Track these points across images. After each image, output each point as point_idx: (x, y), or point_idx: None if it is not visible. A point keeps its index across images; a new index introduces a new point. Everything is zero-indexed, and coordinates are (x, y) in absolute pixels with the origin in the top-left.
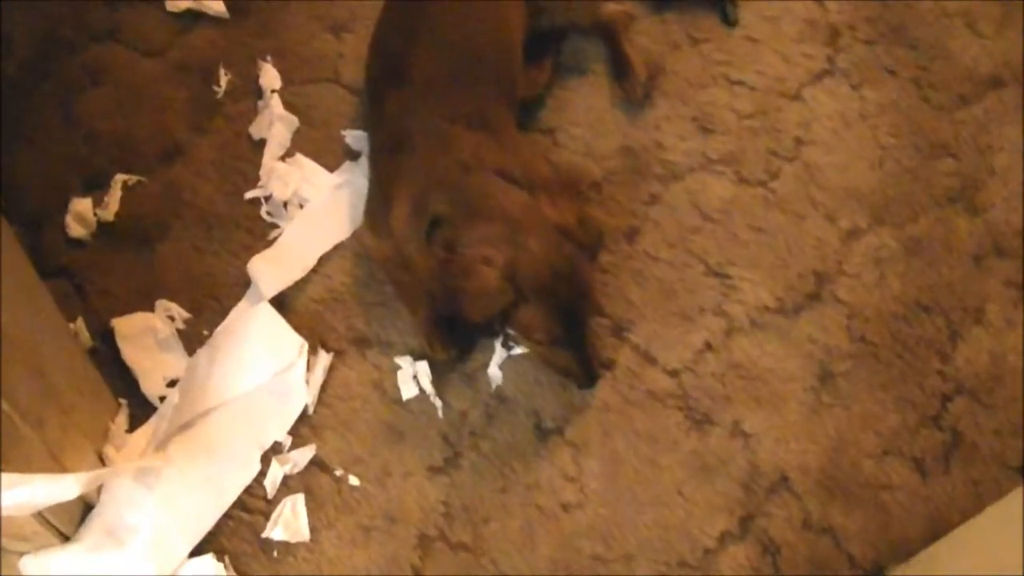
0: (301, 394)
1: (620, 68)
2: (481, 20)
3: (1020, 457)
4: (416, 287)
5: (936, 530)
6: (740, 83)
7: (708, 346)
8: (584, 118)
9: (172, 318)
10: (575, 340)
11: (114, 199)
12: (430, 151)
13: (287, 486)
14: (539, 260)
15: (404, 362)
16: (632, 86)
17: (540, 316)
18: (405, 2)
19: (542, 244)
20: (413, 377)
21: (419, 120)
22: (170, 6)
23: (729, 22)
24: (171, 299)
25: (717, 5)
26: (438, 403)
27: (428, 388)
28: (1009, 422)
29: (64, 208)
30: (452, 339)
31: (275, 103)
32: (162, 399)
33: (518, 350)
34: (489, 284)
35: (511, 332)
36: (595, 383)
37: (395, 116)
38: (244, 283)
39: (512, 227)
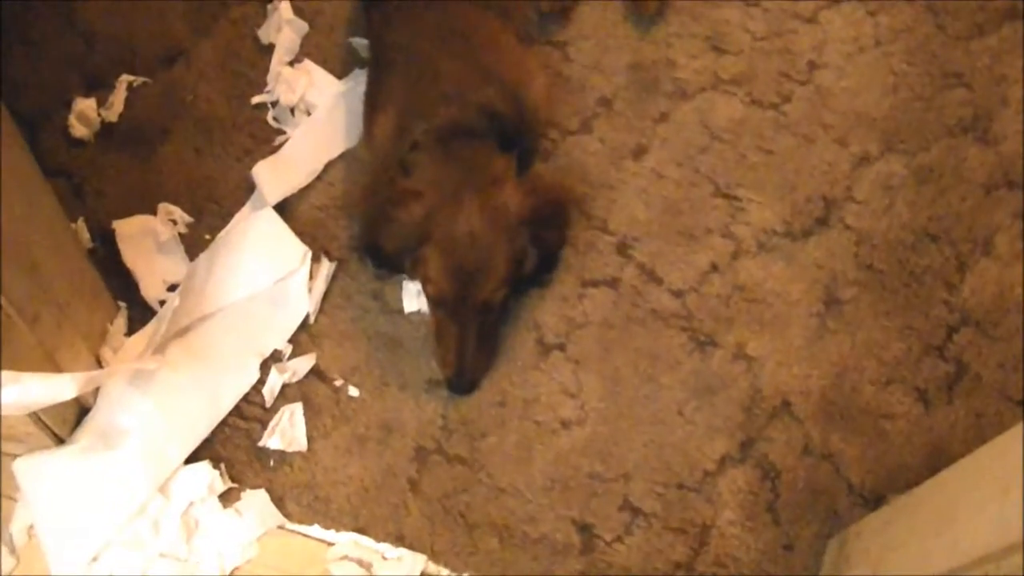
0: (302, 302)
1: None
2: None
3: (1022, 390)
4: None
5: (936, 460)
6: (755, 4)
7: (714, 267)
8: (594, 32)
9: (174, 221)
10: (461, 321)
11: (118, 99)
12: (412, 75)
13: (285, 395)
14: (463, 220)
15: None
16: (645, 1)
17: (436, 266)
18: None
19: (478, 213)
20: (417, 293)
21: (399, 36)
22: None
23: None
24: (173, 202)
25: None
26: None
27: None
28: (1013, 354)
29: (66, 108)
30: (377, 259)
31: (284, 7)
32: (162, 303)
33: None
34: (408, 217)
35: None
36: (460, 390)
37: (378, 28)
38: (248, 188)
39: (464, 183)
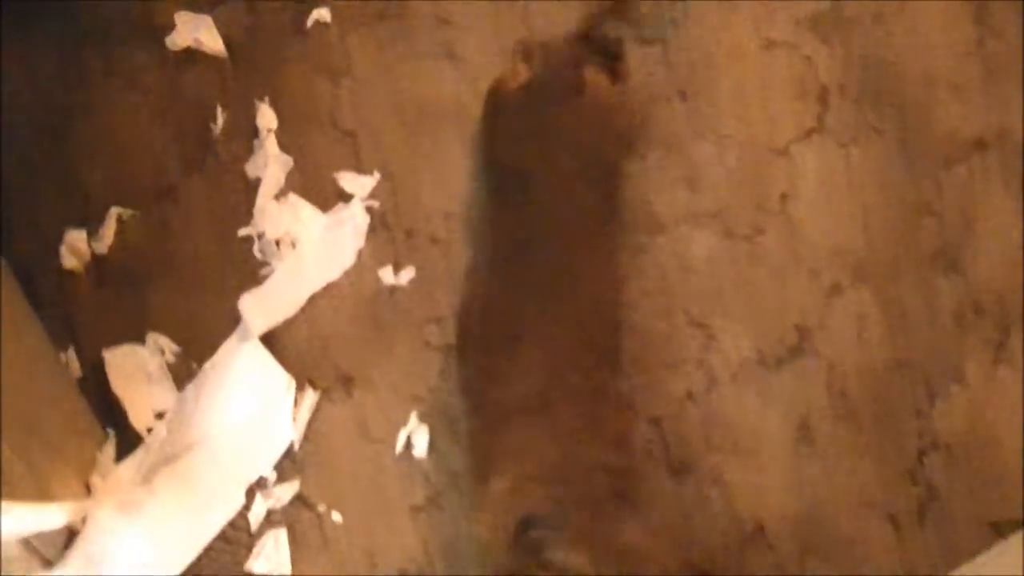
0: (287, 431)
1: None
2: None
3: (994, 512)
4: None
5: None
6: (727, 137)
7: (688, 395)
8: None
9: (162, 351)
10: None
11: (108, 232)
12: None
13: (270, 520)
14: None
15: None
16: None
17: None
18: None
19: None
20: (407, 438)
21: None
22: (170, 43)
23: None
24: (162, 332)
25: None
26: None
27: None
28: (984, 477)
29: (57, 241)
30: None
31: (270, 143)
32: (150, 431)
33: None
34: None
35: None
36: None
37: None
38: (234, 320)
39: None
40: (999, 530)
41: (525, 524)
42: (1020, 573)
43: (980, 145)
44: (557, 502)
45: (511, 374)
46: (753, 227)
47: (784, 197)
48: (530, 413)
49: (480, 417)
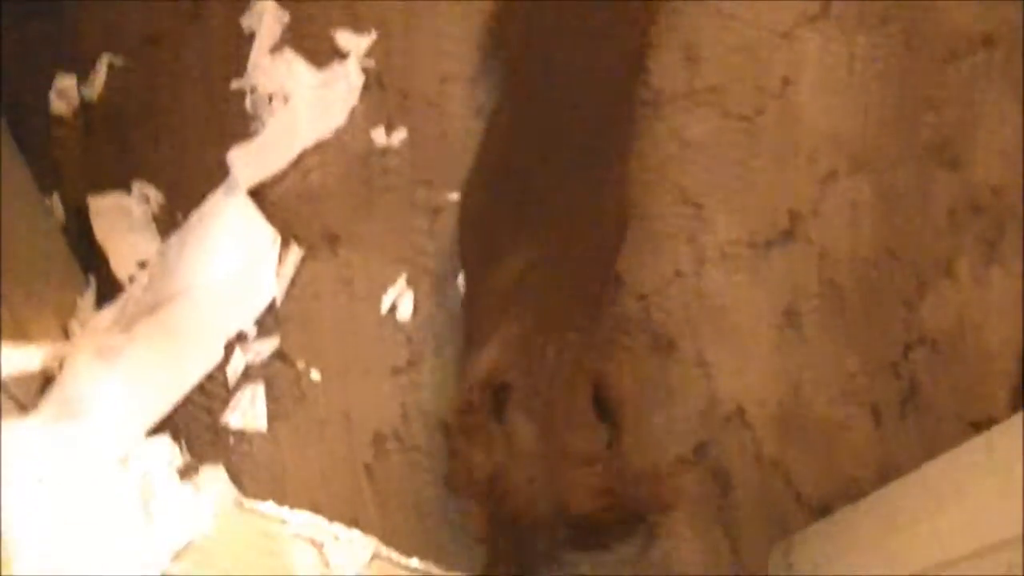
0: (270, 286)
1: None
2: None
3: (975, 412)
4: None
5: (886, 475)
6: (730, 16)
7: (677, 273)
8: None
9: (148, 200)
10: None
11: (99, 78)
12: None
13: (248, 375)
14: (521, 499)
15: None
16: None
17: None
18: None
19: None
20: (392, 300)
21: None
22: None
23: None
24: (149, 182)
25: None
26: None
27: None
28: (968, 376)
29: (48, 86)
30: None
31: None
32: (131, 280)
33: None
34: (470, 475)
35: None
36: None
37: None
38: (222, 172)
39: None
40: (979, 430)
41: (498, 390)
42: (997, 468)
43: (987, 41)
44: (529, 374)
45: (512, 244)
46: (753, 108)
47: (785, 81)
48: (524, 283)
49: (474, 283)
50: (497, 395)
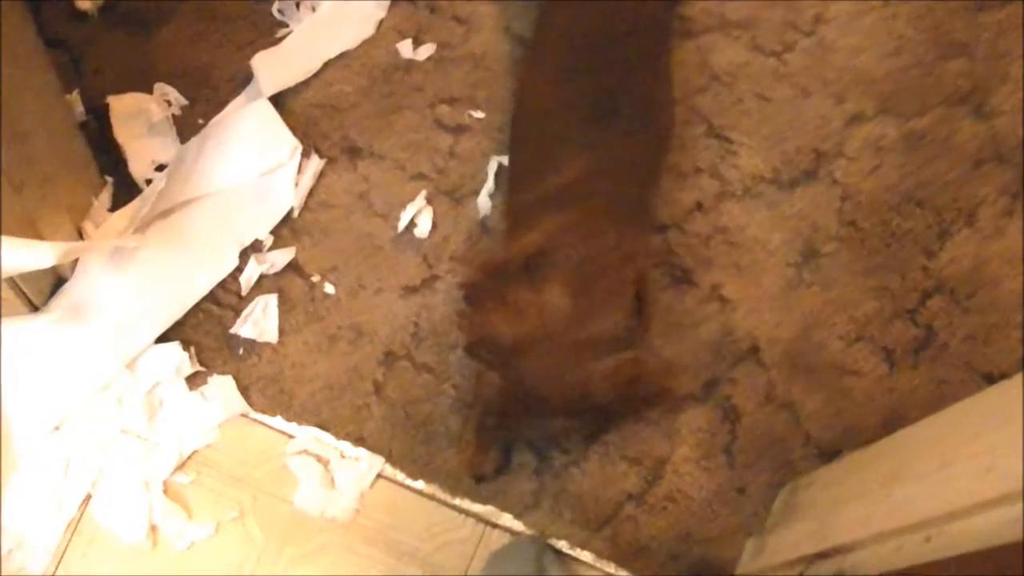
0: (288, 196)
1: None
2: None
3: (988, 363)
4: None
5: (895, 422)
6: None
7: (698, 206)
8: None
9: (169, 102)
10: (501, 428)
11: None
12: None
13: (261, 285)
14: (543, 375)
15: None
16: None
17: (496, 386)
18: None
19: (567, 371)
20: (410, 218)
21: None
22: None
23: None
24: (170, 84)
25: None
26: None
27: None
28: (983, 327)
29: None
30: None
31: None
32: (148, 182)
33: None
34: (492, 332)
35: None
36: (467, 471)
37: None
38: (245, 78)
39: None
40: (991, 382)
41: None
42: (1007, 421)
43: None
44: (577, 250)
45: (554, 168)
46: (783, 44)
47: (817, 18)
48: (563, 205)
49: (525, 186)
50: (533, 267)
